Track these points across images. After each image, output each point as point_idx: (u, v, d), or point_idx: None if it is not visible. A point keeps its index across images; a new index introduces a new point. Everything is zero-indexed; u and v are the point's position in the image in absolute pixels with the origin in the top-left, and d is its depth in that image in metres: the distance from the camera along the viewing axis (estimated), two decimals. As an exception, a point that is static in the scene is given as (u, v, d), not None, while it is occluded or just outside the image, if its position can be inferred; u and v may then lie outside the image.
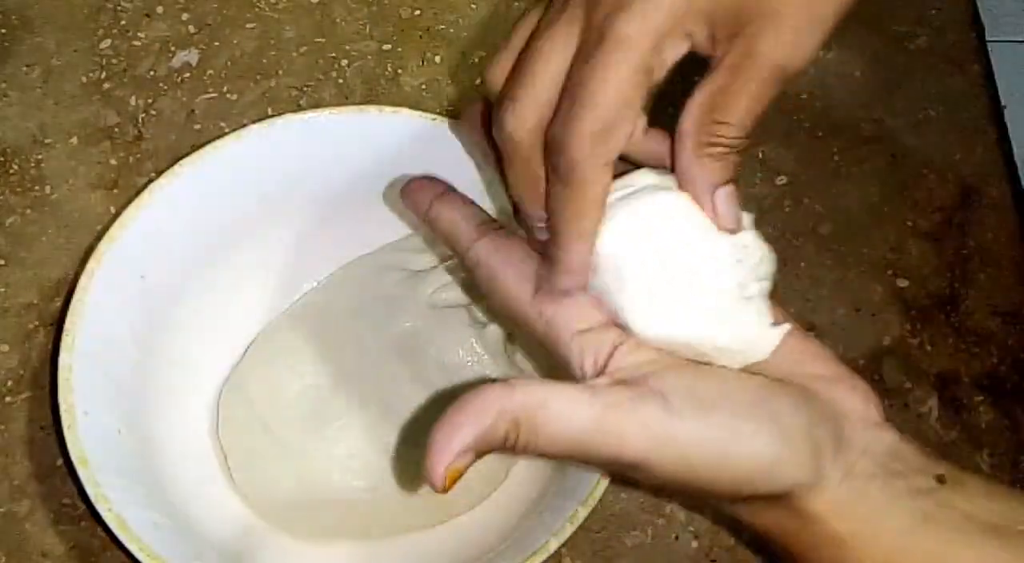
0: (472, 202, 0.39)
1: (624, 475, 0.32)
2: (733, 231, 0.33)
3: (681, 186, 0.33)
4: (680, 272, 0.33)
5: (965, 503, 0.32)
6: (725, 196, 0.33)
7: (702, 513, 0.46)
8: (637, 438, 0.30)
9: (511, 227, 0.37)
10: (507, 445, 0.31)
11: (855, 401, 0.33)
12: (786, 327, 0.34)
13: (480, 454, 0.31)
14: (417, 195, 0.39)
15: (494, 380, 0.31)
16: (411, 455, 0.45)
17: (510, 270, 0.35)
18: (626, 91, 0.32)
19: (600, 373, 0.33)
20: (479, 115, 0.39)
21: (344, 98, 0.56)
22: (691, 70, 0.33)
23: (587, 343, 0.33)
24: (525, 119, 0.33)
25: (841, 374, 0.34)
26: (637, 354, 0.33)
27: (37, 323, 0.49)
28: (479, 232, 0.37)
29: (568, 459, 0.31)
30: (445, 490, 0.30)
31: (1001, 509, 0.32)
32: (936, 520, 0.31)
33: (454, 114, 0.48)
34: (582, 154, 0.32)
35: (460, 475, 0.30)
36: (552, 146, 0.33)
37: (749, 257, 0.34)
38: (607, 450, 0.31)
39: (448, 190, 0.39)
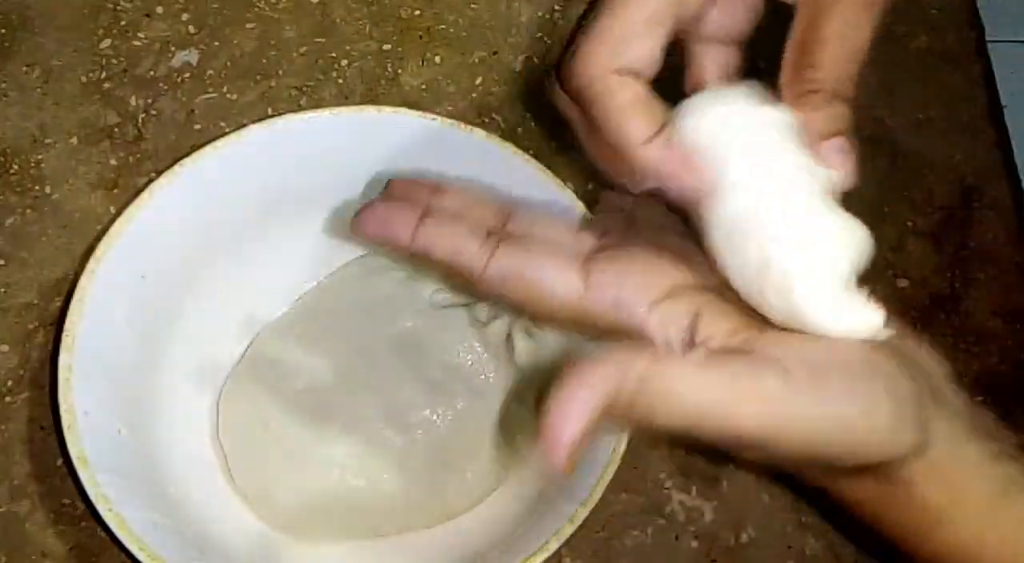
0: (468, 199, 0.35)
1: (735, 453, 0.30)
2: (844, 184, 0.31)
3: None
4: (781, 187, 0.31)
5: None
6: (835, 148, 0.31)
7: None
8: (759, 416, 0.28)
9: (524, 209, 0.34)
10: (623, 416, 0.28)
11: (931, 357, 0.32)
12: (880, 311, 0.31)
13: (596, 428, 0.28)
14: (388, 225, 0.33)
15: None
16: (412, 454, 0.45)
17: (548, 266, 0.32)
18: (641, 9, 0.31)
19: (690, 344, 0.30)
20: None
21: (344, 98, 0.56)
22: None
23: (667, 313, 0.31)
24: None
25: (911, 338, 0.32)
26: (724, 320, 0.31)
27: (37, 323, 0.49)
28: (489, 247, 0.33)
29: (681, 435, 0.28)
30: (572, 469, 0.28)
31: None
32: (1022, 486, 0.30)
33: (454, 114, 0.48)
34: (589, 68, 0.31)
35: (582, 451, 0.28)
36: (566, 74, 0.31)
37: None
38: (725, 428, 0.28)
39: (429, 205, 0.34)
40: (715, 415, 0.28)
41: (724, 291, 0.32)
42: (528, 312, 0.34)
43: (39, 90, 0.55)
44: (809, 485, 0.34)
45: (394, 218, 0.33)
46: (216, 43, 0.57)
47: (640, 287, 0.31)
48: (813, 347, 0.30)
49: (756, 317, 0.31)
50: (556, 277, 0.32)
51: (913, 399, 0.30)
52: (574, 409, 0.27)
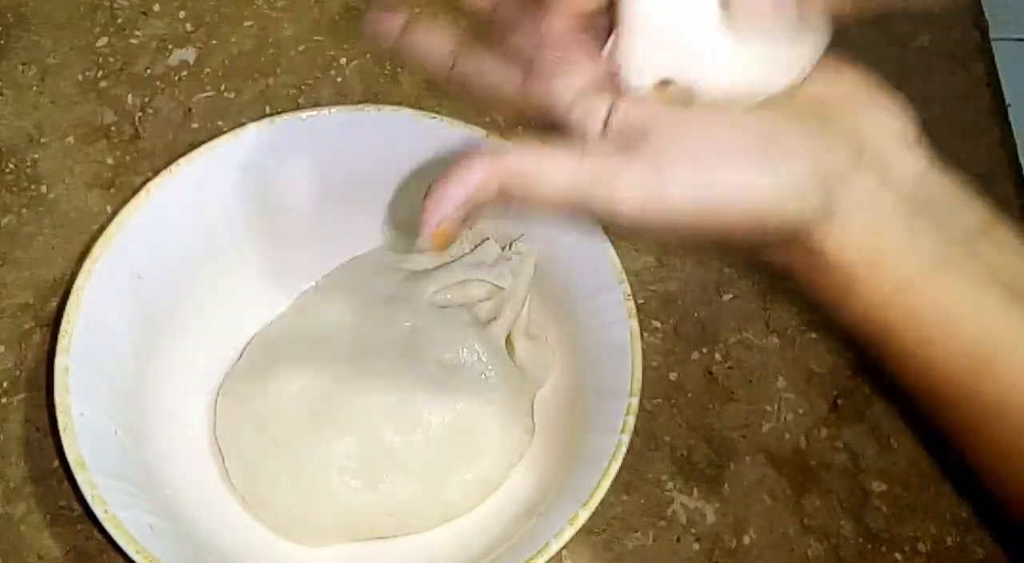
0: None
1: (631, 229, 0.32)
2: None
3: None
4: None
5: (991, 254, 0.31)
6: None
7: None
8: (629, 197, 0.30)
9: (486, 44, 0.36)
10: (501, 198, 0.31)
11: (886, 119, 0.32)
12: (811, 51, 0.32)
13: (472, 218, 0.31)
14: (382, 24, 0.37)
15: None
16: (411, 455, 0.45)
17: (493, 72, 0.35)
18: None
19: (604, 133, 0.32)
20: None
21: (343, 97, 0.56)
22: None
23: (584, 106, 0.33)
24: None
25: (872, 92, 0.33)
26: (637, 110, 0.32)
27: (33, 324, 0.49)
28: (452, 57, 0.35)
29: (567, 213, 0.31)
30: (438, 249, 0.31)
31: None
32: (953, 267, 0.30)
33: (454, 113, 0.47)
34: None
35: (453, 239, 0.31)
36: None
37: None
38: (604, 207, 0.31)
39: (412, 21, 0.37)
40: (588, 195, 0.30)
41: None
42: (482, 104, 0.38)
43: (35, 88, 0.55)
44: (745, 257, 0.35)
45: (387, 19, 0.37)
46: (214, 41, 0.57)
47: (564, 85, 0.33)
48: (706, 132, 0.31)
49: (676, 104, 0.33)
50: (500, 70, 0.35)
51: (807, 172, 0.30)
52: (449, 192, 0.30)
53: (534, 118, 0.34)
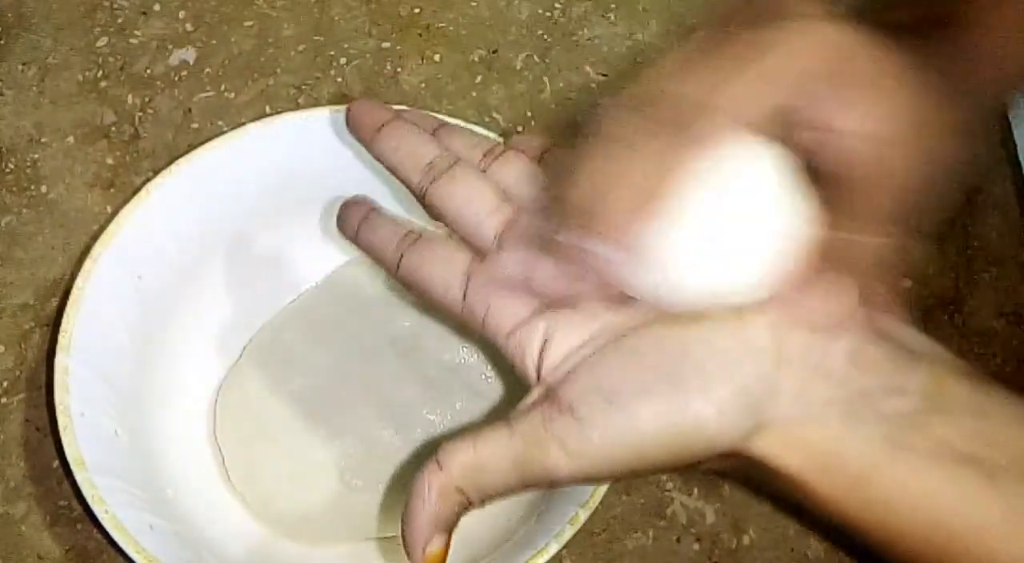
0: (396, 219, 0.38)
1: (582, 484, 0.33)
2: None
3: None
4: None
5: (945, 426, 0.29)
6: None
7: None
8: (561, 461, 0.30)
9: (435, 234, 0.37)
10: (466, 509, 0.32)
11: (803, 306, 0.31)
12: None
13: (450, 529, 0.32)
14: (345, 221, 0.39)
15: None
16: (411, 455, 0.45)
17: (436, 279, 0.35)
18: None
19: (539, 373, 0.32)
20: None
21: (343, 97, 0.56)
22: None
23: (519, 344, 0.33)
24: None
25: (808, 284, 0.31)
26: (566, 343, 0.32)
27: (33, 324, 0.49)
28: (400, 246, 0.36)
29: (527, 491, 0.32)
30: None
31: (989, 432, 0.29)
32: (906, 448, 0.29)
33: (454, 113, 0.47)
34: None
35: (445, 553, 0.32)
36: None
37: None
38: (543, 479, 0.31)
39: (372, 210, 0.39)
40: (528, 474, 0.31)
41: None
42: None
43: (35, 88, 0.55)
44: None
45: (351, 211, 0.39)
46: (214, 41, 0.57)
47: (503, 317, 0.33)
48: (616, 371, 0.31)
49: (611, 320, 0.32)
50: (441, 290, 0.35)
51: (732, 388, 0.30)
52: (416, 531, 0.31)
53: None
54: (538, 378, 0.32)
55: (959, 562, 0.29)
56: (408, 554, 0.32)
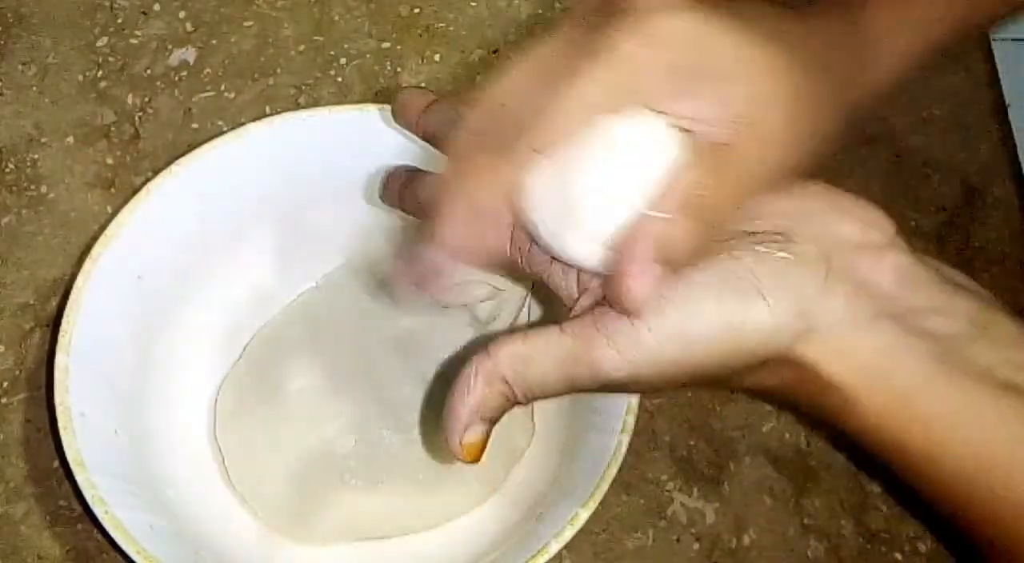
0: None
1: (627, 390, 0.33)
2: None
3: None
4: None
5: (988, 352, 0.30)
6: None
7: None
8: (614, 361, 0.30)
9: None
10: (509, 402, 0.31)
11: (847, 228, 0.31)
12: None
13: (491, 420, 0.32)
14: (406, 111, 0.41)
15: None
16: (410, 455, 0.45)
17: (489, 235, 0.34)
18: None
19: (584, 290, 0.33)
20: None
21: (343, 96, 0.56)
22: None
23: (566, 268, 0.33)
24: None
25: (835, 201, 0.32)
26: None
27: (33, 324, 0.49)
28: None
29: (570, 392, 0.32)
30: (475, 459, 0.32)
31: None
32: (952, 368, 0.30)
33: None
34: None
35: (483, 445, 0.32)
36: None
37: None
38: (593, 378, 0.31)
39: (433, 101, 0.40)
40: (578, 372, 0.31)
41: None
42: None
43: (35, 88, 0.55)
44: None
45: (411, 102, 0.41)
46: (214, 41, 0.57)
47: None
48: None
49: None
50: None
51: (773, 295, 0.30)
52: (459, 418, 0.31)
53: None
54: (583, 291, 0.32)
55: (992, 488, 0.30)
56: (447, 440, 0.31)
